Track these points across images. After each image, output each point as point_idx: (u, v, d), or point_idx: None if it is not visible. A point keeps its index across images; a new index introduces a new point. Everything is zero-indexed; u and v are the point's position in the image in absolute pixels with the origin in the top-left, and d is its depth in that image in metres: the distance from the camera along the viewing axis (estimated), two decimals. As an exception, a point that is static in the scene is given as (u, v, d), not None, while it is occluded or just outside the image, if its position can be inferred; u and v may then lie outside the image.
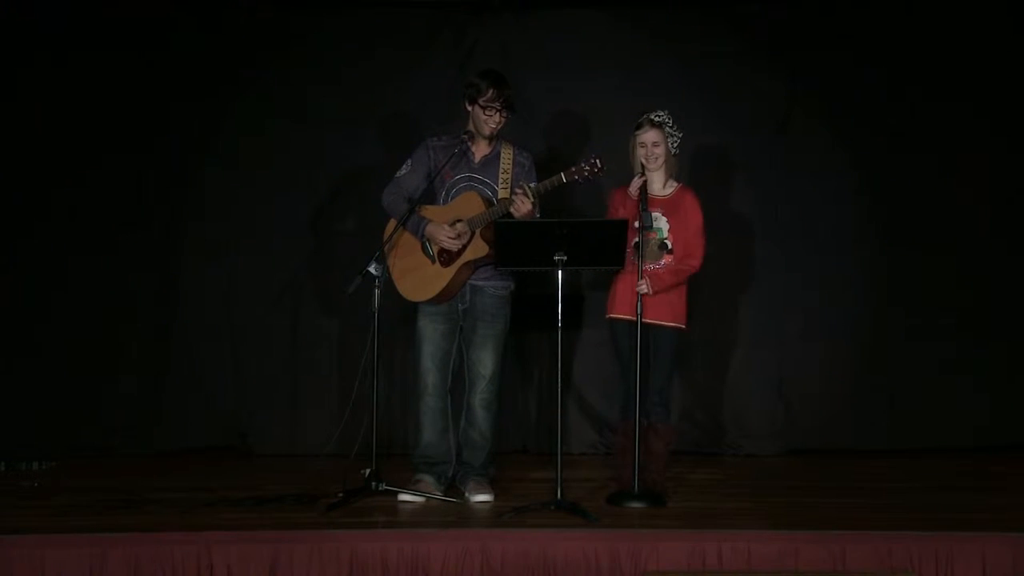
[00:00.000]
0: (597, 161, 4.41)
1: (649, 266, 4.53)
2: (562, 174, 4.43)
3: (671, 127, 4.60)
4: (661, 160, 4.60)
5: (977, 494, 4.74)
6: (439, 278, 4.56)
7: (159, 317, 5.96)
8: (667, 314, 4.56)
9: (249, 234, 5.97)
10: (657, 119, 4.59)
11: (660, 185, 4.65)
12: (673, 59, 5.95)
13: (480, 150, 4.67)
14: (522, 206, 4.42)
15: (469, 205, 4.55)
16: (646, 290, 4.48)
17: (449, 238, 4.51)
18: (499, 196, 4.57)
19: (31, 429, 5.69)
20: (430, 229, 4.55)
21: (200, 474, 5.25)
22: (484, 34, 5.98)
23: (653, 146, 4.59)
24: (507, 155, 4.64)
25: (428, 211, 4.61)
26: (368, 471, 4.44)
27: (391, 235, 4.57)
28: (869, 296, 5.93)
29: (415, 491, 4.51)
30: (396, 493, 4.46)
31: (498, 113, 4.55)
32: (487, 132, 4.59)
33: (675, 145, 4.63)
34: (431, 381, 4.64)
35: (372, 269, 4.45)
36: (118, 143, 5.89)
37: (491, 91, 4.52)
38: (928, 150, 5.88)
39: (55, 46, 5.87)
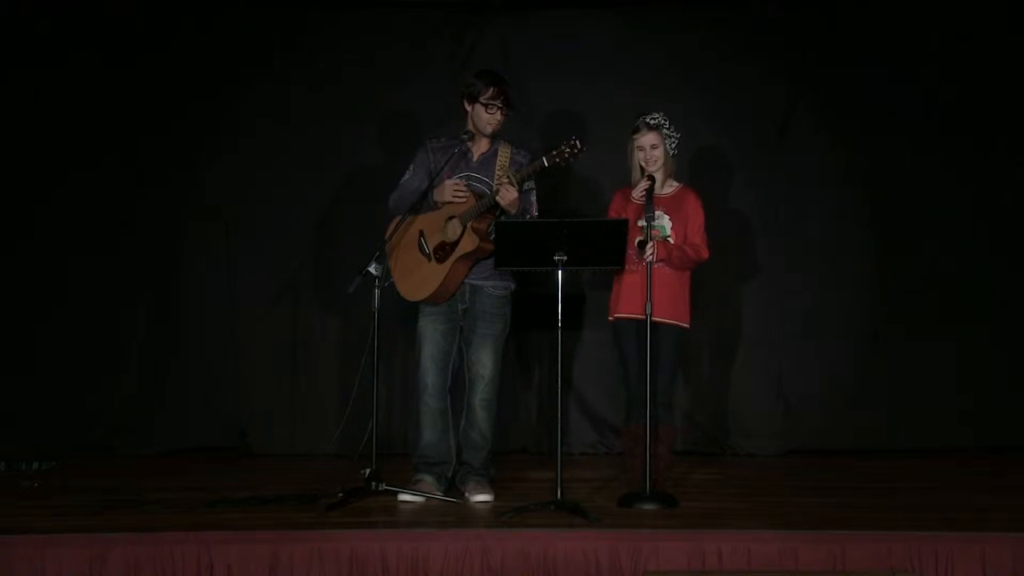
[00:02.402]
0: (577, 142, 4.38)
1: (655, 262, 4.51)
2: (543, 158, 4.42)
3: (668, 128, 4.59)
4: (660, 162, 4.60)
5: (977, 494, 4.73)
6: (435, 274, 4.56)
7: (159, 317, 5.96)
8: (669, 312, 4.56)
9: (249, 234, 5.97)
10: (653, 121, 4.58)
11: (659, 184, 4.63)
12: (673, 59, 5.95)
13: (479, 149, 4.68)
14: (507, 194, 4.42)
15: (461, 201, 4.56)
16: (651, 255, 4.43)
17: (455, 187, 4.52)
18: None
19: (31, 429, 5.69)
20: (437, 191, 4.57)
21: (200, 474, 5.25)
22: (484, 34, 5.99)
23: (652, 149, 4.58)
24: (504, 154, 4.64)
25: (421, 216, 4.62)
26: (368, 471, 4.44)
27: (392, 233, 4.58)
28: (869, 296, 5.94)
29: (415, 491, 4.51)
30: (396, 493, 4.46)
31: (499, 111, 4.56)
32: (489, 131, 4.60)
33: (673, 146, 4.61)
34: (431, 381, 4.64)
35: (372, 269, 4.45)
36: (118, 143, 5.90)
37: (492, 89, 4.53)
38: (928, 150, 5.89)
39: (54, 46, 5.87)
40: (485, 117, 4.57)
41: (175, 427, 5.92)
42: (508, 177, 4.45)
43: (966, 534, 3.83)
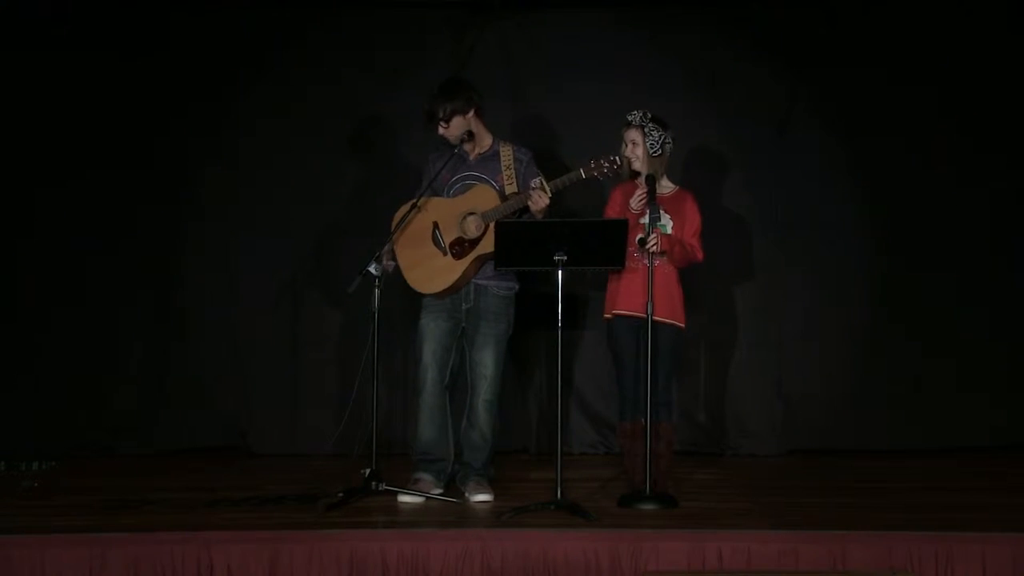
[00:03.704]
0: (617, 159, 4.46)
1: (658, 252, 4.50)
2: (581, 170, 4.45)
3: (649, 127, 4.57)
4: (640, 160, 4.59)
5: (977, 494, 4.74)
6: (451, 270, 4.56)
7: (159, 317, 5.96)
8: (666, 311, 4.56)
9: (249, 234, 5.96)
10: (631, 118, 4.59)
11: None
12: (673, 59, 5.94)
13: (477, 149, 4.70)
14: (540, 201, 4.43)
15: (483, 198, 4.56)
16: (654, 245, 4.42)
17: None
18: (506, 191, 4.58)
19: (31, 429, 5.69)
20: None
21: (200, 474, 5.26)
22: (484, 34, 5.97)
23: (632, 145, 4.60)
24: (506, 152, 4.65)
25: (439, 203, 4.61)
26: (368, 471, 4.44)
27: (393, 232, 4.57)
28: (869, 296, 5.93)
29: (415, 491, 4.51)
30: (396, 493, 4.46)
31: (438, 125, 4.59)
32: (454, 142, 4.62)
33: (653, 147, 4.56)
34: (430, 378, 4.65)
35: (372, 269, 4.45)
36: (118, 143, 5.89)
37: (426, 109, 4.60)
38: (928, 149, 5.88)
39: (55, 46, 5.86)
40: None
41: (175, 427, 5.91)
42: (542, 184, 4.45)
43: (966, 534, 3.84)
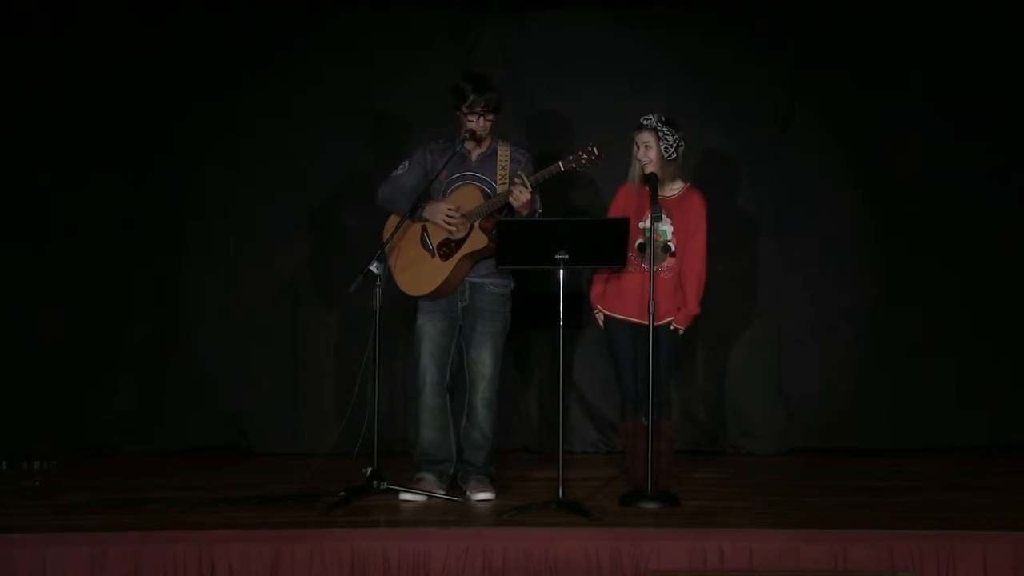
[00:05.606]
0: (594, 149, 4.42)
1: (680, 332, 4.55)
2: (560, 163, 4.44)
3: (664, 131, 4.55)
4: (653, 164, 4.56)
5: (977, 494, 4.74)
6: (439, 271, 4.56)
7: (159, 317, 5.96)
8: (669, 312, 4.55)
9: (249, 234, 5.97)
10: (646, 122, 4.57)
11: (661, 187, 4.61)
12: (673, 59, 5.95)
13: (478, 149, 4.68)
14: (520, 195, 4.42)
15: (468, 198, 4.56)
16: (678, 330, 4.57)
17: (448, 212, 4.51)
18: (498, 192, 4.58)
19: (31, 429, 5.68)
20: (429, 208, 4.55)
21: (200, 474, 5.25)
22: (484, 34, 5.98)
23: (645, 148, 4.57)
24: (504, 152, 4.65)
25: (427, 206, 4.61)
26: (369, 470, 4.44)
27: (393, 233, 4.57)
28: (869, 296, 5.94)
29: (416, 490, 4.51)
30: (397, 492, 4.46)
31: (480, 117, 4.56)
32: (476, 135, 4.60)
33: (668, 150, 4.54)
34: (429, 379, 4.64)
35: (373, 268, 4.45)
36: (118, 143, 5.89)
37: (471, 97, 4.54)
38: (928, 150, 5.88)
39: (54, 47, 5.86)
40: (467, 124, 4.58)
41: (175, 427, 5.92)
42: (522, 179, 4.44)
43: (967, 533, 3.84)
